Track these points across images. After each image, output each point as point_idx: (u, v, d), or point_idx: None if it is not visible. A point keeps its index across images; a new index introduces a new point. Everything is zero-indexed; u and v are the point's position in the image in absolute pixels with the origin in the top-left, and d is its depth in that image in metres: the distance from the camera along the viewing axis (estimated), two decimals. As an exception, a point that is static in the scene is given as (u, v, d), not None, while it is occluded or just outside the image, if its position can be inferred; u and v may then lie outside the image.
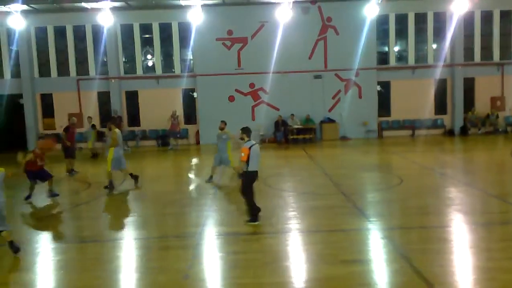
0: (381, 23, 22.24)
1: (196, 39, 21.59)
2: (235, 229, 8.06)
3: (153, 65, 22.66)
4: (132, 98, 22.51)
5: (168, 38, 22.24)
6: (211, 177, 12.28)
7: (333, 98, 22.13)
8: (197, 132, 22.37)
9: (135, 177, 12.21)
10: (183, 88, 22.31)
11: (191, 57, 22.43)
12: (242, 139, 8.27)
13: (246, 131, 8.28)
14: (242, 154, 7.99)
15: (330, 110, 22.14)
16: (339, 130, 22.03)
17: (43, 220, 9.63)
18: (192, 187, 12.75)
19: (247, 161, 8.03)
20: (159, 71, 22.44)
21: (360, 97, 22.14)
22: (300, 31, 21.36)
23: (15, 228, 9.21)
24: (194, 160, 18.05)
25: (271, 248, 7.04)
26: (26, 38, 21.31)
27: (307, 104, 21.76)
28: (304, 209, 9.32)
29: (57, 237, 8.44)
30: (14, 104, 21.51)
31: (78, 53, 22.10)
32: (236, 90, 21.97)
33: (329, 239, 7.38)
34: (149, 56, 22.74)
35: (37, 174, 10.80)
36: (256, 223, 8.17)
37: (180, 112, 22.10)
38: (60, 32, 21.91)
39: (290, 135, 21.03)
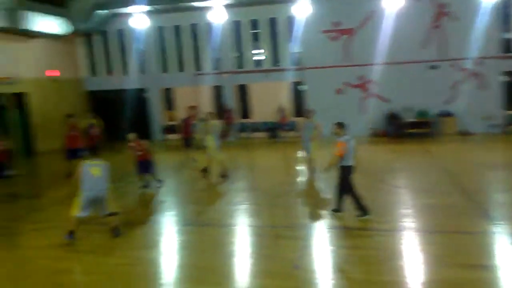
0: (505, 7, 20.08)
1: (303, 32, 21.56)
2: (346, 224, 7.99)
3: (262, 59, 23.17)
4: (243, 91, 23.32)
5: (276, 32, 22.53)
6: (314, 169, 12.29)
7: (451, 89, 20.61)
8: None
9: (205, 171, 12.65)
10: (291, 81, 22.50)
11: (299, 51, 22.50)
12: (336, 133, 8.16)
13: (340, 125, 8.16)
14: (338, 148, 7.91)
15: (447, 103, 20.67)
16: (458, 124, 20.47)
17: (166, 204, 10.48)
18: (301, 179, 12.87)
19: (343, 156, 7.93)
20: (267, 65, 22.89)
21: (481, 88, 20.32)
22: (412, 19, 20.15)
23: (143, 211, 10.14)
24: (302, 153, 18.14)
25: (384, 246, 6.85)
26: (150, 37, 23.17)
27: (422, 96, 20.53)
28: (420, 207, 8.87)
29: (180, 220, 9.13)
30: (140, 98, 23.57)
31: (194, 50, 23.44)
32: (344, 83, 21.56)
33: (448, 240, 6.96)
34: (258, 51, 23.30)
35: (142, 164, 11.31)
36: (366, 217, 7.98)
37: (289, 105, 22.35)
38: (178, 31, 23.43)
39: (403, 129, 20.08)
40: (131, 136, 11.36)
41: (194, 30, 23.14)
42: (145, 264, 6.61)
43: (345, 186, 8.13)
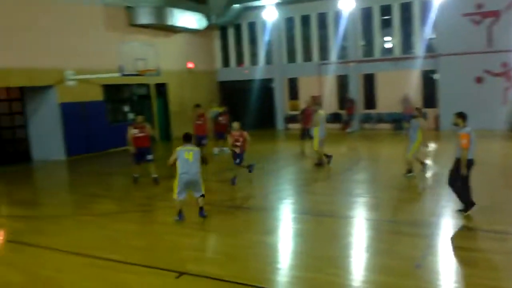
0: None
1: (440, 16, 20.02)
2: (476, 225, 7.33)
3: (392, 47, 22.12)
4: (369, 81, 22.57)
5: (409, 18, 21.31)
6: (409, 170, 11.19)
7: None
8: (437, 117, 20.94)
9: (329, 157, 12.82)
10: (422, 69, 21.12)
11: (433, 36, 20.98)
12: (456, 124, 7.65)
13: (462, 116, 7.62)
14: (464, 140, 7.39)
15: None
16: None
17: (285, 192, 10.74)
18: (428, 174, 12.10)
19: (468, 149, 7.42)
20: (397, 52, 21.78)
21: None
22: None
23: (263, 197, 10.52)
24: (430, 146, 16.99)
25: (520, 251, 6.15)
26: (277, 29, 23.71)
27: None
28: None
29: (297, 208, 9.29)
30: (266, 87, 24.35)
31: (320, 39, 23.35)
32: (485, 71, 19.52)
33: None
34: (387, 38, 22.30)
35: (236, 155, 11.19)
36: (466, 213, 7.63)
37: (418, 95, 21.10)
38: (305, 21, 23.55)
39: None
40: (236, 125, 11.38)
41: (322, 20, 23.04)
42: (262, 248, 6.87)
43: (454, 178, 7.70)
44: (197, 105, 15.56)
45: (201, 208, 8.33)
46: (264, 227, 7.96)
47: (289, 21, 23.80)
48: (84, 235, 7.85)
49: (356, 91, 22.29)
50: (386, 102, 21.84)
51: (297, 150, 15.60)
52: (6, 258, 7.01)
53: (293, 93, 24.40)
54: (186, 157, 8.01)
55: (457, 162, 7.62)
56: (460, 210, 7.80)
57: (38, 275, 6.17)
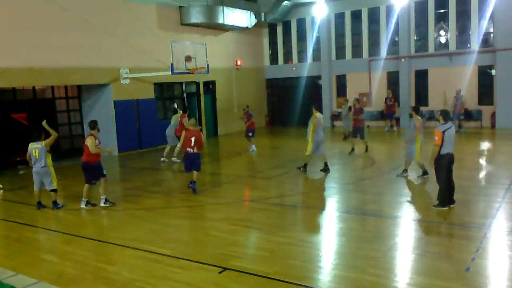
0: None
1: (499, 8, 19.02)
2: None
3: (447, 41, 21.25)
4: (421, 77, 21.79)
5: (466, 10, 20.38)
6: (405, 170, 10.90)
7: None
8: (493, 114, 19.94)
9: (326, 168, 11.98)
10: (478, 65, 20.14)
11: (491, 30, 19.96)
12: (438, 121, 8.17)
13: (443, 113, 8.13)
14: (436, 137, 7.88)
15: None
16: None
17: (327, 190, 10.64)
18: (481, 174, 11.57)
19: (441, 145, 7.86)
20: (452, 47, 20.90)
21: None
22: None
23: (309, 195, 10.46)
24: (485, 145, 16.24)
25: None
26: (326, 25, 23.39)
27: None
28: None
29: (342, 206, 9.18)
30: (313, 84, 24.12)
31: (371, 35, 22.82)
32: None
33: None
34: (442, 32, 21.44)
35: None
36: (444, 208, 8.02)
37: (474, 91, 20.16)
38: (356, 16, 23.09)
39: None
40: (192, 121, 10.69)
41: (372, 15, 22.54)
42: (306, 246, 6.85)
43: (437, 173, 8.12)
44: (247, 106, 15.80)
45: (54, 201, 9.45)
46: (308, 225, 7.94)
47: (339, 17, 23.44)
48: (134, 228, 8.13)
49: (407, 88, 21.62)
50: (439, 99, 21.04)
51: (342, 148, 15.39)
52: (60, 249, 7.38)
53: (341, 90, 24.00)
54: (33, 154, 9.00)
55: (440, 157, 7.99)
56: (435, 205, 8.19)
57: (89, 267, 6.44)
